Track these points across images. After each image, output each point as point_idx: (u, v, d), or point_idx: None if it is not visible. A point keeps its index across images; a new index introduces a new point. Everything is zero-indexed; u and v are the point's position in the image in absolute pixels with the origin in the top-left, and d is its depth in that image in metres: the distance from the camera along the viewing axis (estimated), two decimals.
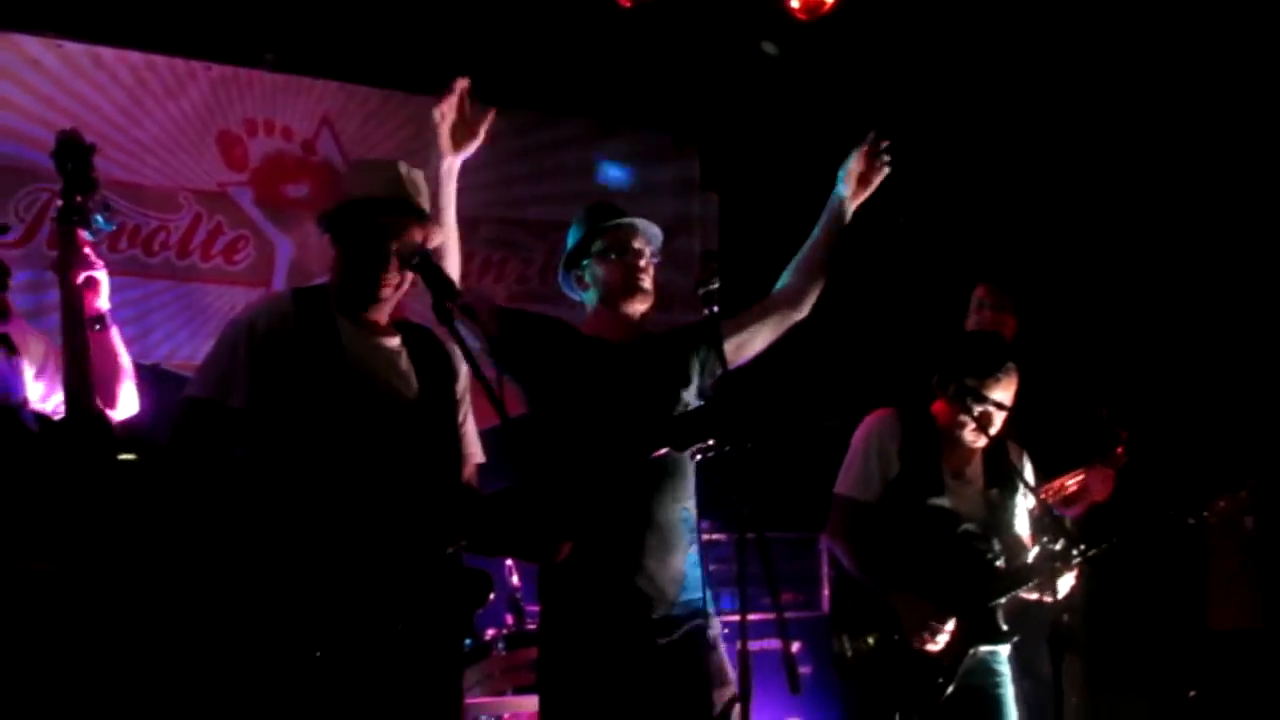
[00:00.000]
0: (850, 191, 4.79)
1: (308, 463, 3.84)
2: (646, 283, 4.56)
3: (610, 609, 4.32)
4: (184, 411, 3.89)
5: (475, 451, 4.23)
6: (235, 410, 3.85)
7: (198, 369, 4.00)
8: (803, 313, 4.80)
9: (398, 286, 3.98)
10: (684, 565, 4.40)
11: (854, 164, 4.80)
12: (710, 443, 4.15)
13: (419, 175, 4.14)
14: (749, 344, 4.70)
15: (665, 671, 4.33)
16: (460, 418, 4.15)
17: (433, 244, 4.08)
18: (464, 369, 4.13)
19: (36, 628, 3.70)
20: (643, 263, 4.56)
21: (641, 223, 4.61)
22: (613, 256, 4.54)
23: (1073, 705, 6.73)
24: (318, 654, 3.65)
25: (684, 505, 4.44)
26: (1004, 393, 5.07)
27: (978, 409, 5.01)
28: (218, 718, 3.87)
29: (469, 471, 4.22)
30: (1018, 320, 6.22)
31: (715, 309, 4.29)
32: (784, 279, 4.82)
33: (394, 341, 4.05)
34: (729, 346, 4.46)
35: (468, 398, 4.20)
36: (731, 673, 4.39)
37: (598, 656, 4.29)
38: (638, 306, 4.57)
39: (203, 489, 3.91)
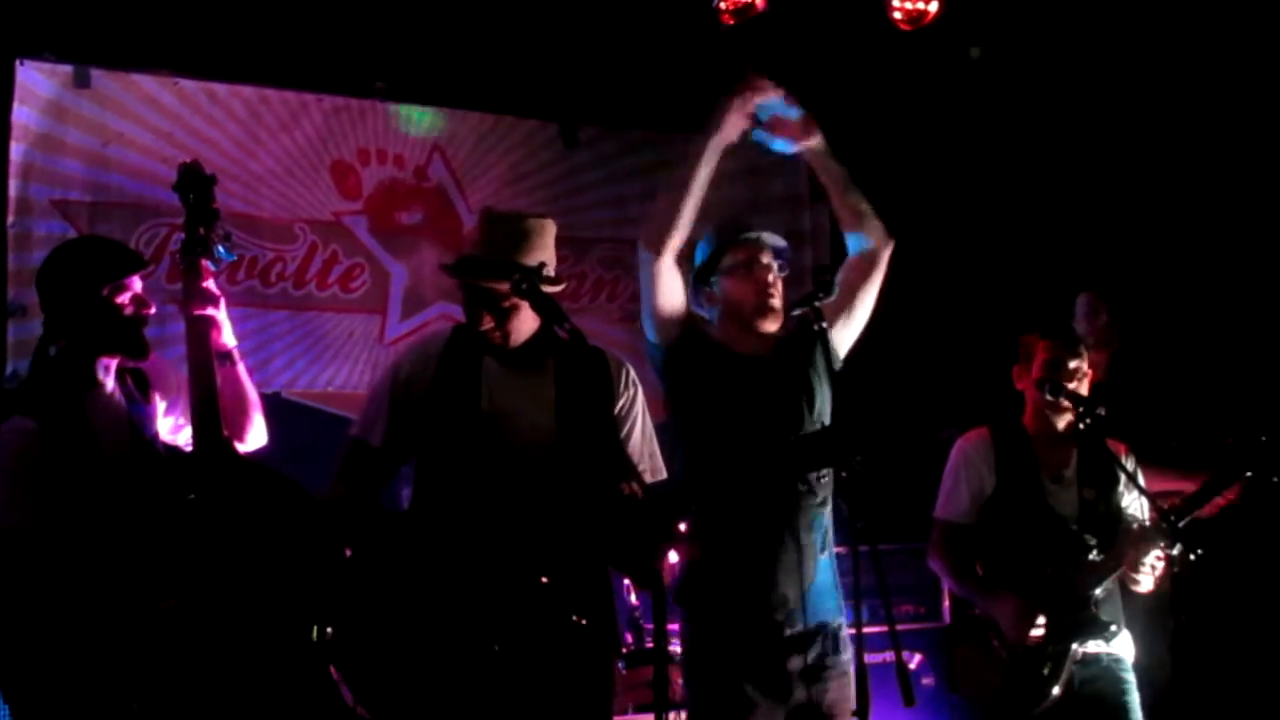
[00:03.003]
0: (801, 141, 4.57)
1: (445, 495, 4.03)
2: (776, 301, 4.54)
3: (743, 624, 4.34)
4: (345, 446, 4.17)
5: (646, 469, 4.25)
6: (375, 449, 4.09)
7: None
8: (877, 236, 4.63)
9: (508, 332, 4.08)
10: (815, 574, 4.40)
11: (780, 127, 4.54)
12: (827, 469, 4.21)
13: (532, 224, 4.15)
14: (858, 306, 4.62)
15: (798, 695, 4.34)
16: (621, 434, 4.21)
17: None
18: (629, 393, 4.21)
19: (164, 664, 3.76)
20: (771, 277, 4.55)
21: (768, 236, 4.62)
22: (742, 273, 4.54)
23: None
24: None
25: (819, 513, 4.44)
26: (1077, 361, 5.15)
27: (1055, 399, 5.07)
28: None
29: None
30: (1118, 325, 6.21)
31: (824, 325, 4.31)
32: (846, 240, 4.72)
33: (540, 370, 4.15)
34: (838, 329, 4.52)
35: (633, 418, 4.27)
36: (852, 699, 4.39)
37: (730, 675, 4.31)
38: (768, 326, 4.55)
39: (348, 522, 4.04)
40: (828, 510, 4.46)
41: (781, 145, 4.57)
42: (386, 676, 3.87)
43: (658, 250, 4.34)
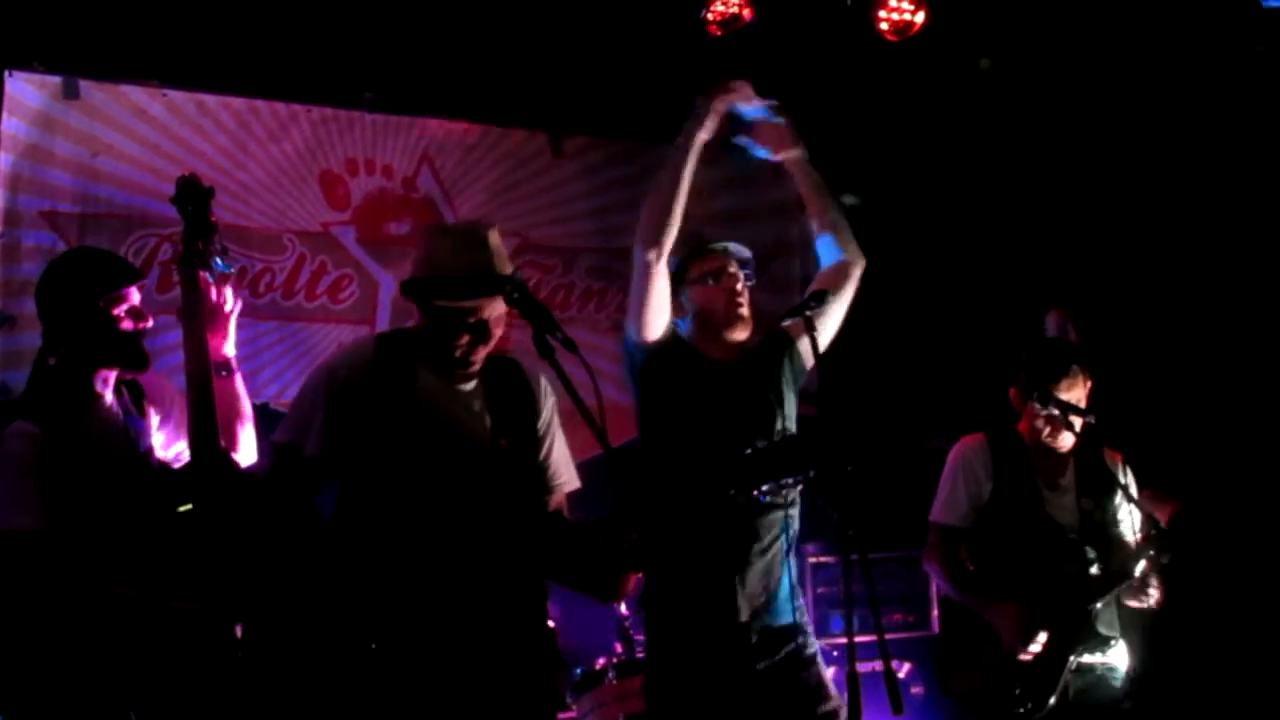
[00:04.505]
0: (782, 149, 4.72)
1: (381, 505, 3.94)
2: (745, 309, 4.62)
3: (710, 630, 4.39)
4: (271, 455, 4.03)
5: (566, 479, 4.23)
6: (310, 457, 3.95)
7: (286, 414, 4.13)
8: (851, 252, 4.75)
9: (481, 350, 3.99)
10: (781, 575, 4.47)
11: (763, 134, 4.71)
12: (803, 475, 4.23)
13: (496, 236, 4.02)
14: (828, 319, 4.66)
15: (768, 696, 4.38)
16: (543, 451, 4.18)
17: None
18: (549, 402, 4.17)
19: (159, 671, 3.75)
20: (739, 286, 4.63)
21: (734, 246, 4.71)
22: (710, 283, 4.61)
23: None
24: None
25: (786, 516, 4.49)
26: (1072, 393, 5.12)
27: (1053, 411, 5.06)
28: None
29: (557, 499, 4.24)
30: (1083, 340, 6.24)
31: (816, 333, 4.34)
32: (819, 250, 4.81)
33: (472, 383, 4.08)
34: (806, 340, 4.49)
35: (553, 429, 4.22)
36: (833, 688, 4.46)
37: (699, 682, 4.36)
38: (738, 334, 4.63)
39: (289, 530, 4.00)
40: (795, 513, 4.52)
41: (764, 152, 4.66)
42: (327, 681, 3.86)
43: (656, 248, 4.43)
